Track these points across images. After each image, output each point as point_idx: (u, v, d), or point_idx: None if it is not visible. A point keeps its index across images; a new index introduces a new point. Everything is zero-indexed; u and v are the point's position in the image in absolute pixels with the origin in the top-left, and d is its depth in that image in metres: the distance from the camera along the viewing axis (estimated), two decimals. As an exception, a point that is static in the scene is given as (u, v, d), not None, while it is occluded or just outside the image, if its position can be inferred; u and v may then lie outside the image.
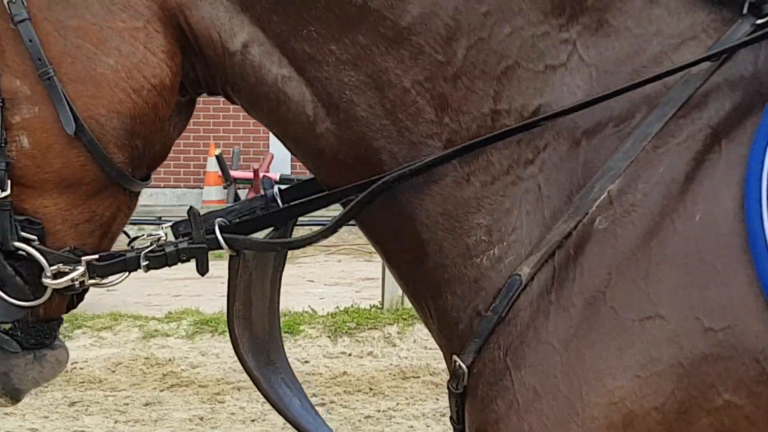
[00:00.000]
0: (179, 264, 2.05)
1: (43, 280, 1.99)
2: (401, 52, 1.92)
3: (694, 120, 1.85)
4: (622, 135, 1.87)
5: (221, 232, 2.01)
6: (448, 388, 1.95)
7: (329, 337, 8.08)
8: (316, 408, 2.17)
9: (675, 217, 1.80)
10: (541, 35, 1.91)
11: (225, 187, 13.62)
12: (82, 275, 2.01)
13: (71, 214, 1.99)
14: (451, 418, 2.00)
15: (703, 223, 1.78)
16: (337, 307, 8.59)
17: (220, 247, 2.02)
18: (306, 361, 7.71)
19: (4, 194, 1.94)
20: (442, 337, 2.01)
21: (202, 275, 2.03)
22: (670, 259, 1.78)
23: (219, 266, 2.17)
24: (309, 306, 8.68)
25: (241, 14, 1.96)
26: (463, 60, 1.91)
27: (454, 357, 1.93)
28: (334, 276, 11.13)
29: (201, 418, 6.85)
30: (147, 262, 2.03)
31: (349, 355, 7.89)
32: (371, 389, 7.35)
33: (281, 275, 2.18)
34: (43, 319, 2.05)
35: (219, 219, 2.04)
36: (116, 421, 6.84)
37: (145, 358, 7.81)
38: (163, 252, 2.03)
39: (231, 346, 2.09)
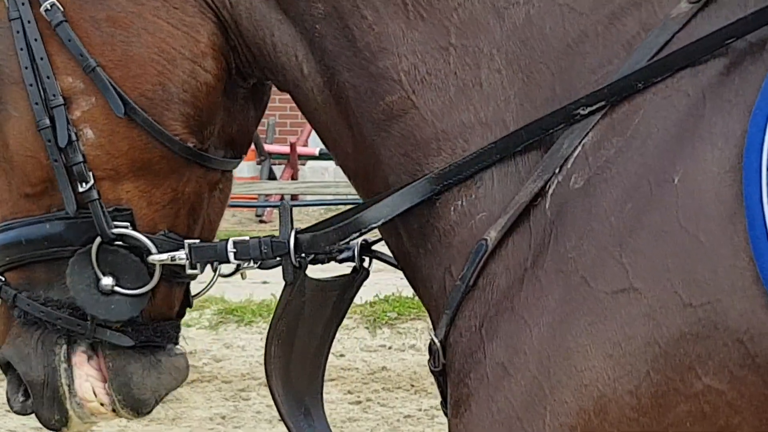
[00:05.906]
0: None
1: (149, 258, 2.12)
2: None
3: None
4: (598, 80, 1.85)
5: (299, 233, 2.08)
6: (429, 367, 1.94)
7: (367, 328, 7.99)
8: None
9: (651, 179, 1.75)
10: None
11: (259, 163, 13.01)
12: (183, 258, 2.13)
13: (153, 196, 2.15)
14: (441, 403, 1.98)
15: (683, 187, 1.73)
16: (377, 295, 8.24)
17: (299, 250, 2.07)
18: (341, 355, 7.53)
19: (88, 185, 2.11)
20: (427, 302, 2.01)
21: (285, 281, 2.09)
22: (646, 225, 1.73)
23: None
24: (346, 293, 8.60)
25: None
26: None
27: (429, 331, 1.94)
28: (374, 261, 11.08)
29: (223, 417, 6.75)
30: (235, 250, 2.10)
31: (389, 348, 7.80)
32: (413, 386, 7.27)
33: (338, 325, 2.24)
34: (152, 317, 2.20)
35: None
36: (129, 419, 6.49)
37: (164, 350, 7.65)
38: (247, 242, 2.11)
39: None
